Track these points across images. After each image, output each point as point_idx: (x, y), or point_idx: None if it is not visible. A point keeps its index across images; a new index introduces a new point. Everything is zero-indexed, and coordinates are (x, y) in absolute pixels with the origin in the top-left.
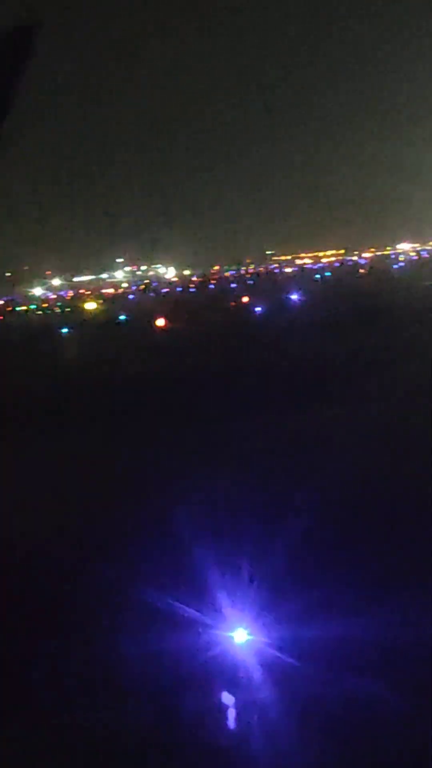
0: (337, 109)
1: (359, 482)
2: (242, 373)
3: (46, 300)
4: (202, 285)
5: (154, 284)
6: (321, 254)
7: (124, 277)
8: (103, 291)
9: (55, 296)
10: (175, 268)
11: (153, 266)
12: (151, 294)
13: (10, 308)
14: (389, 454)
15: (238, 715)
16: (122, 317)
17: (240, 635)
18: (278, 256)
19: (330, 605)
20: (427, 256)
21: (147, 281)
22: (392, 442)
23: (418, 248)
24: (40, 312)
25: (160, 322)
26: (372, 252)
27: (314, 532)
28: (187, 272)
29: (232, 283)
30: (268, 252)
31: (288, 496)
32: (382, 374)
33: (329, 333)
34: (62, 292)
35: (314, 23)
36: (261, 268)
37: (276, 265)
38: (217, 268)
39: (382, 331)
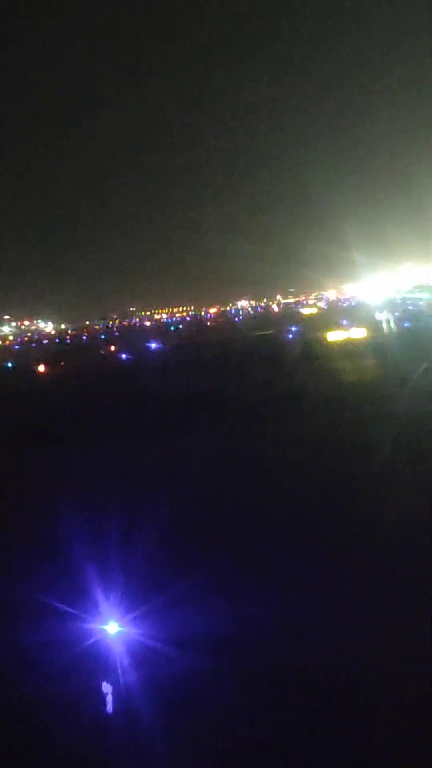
0: (172, 190)
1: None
2: (110, 405)
3: None
4: (77, 337)
5: (35, 336)
6: (174, 309)
7: (10, 331)
8: None
9: None
10: (54, 323)
11: (35, 321)
12: (33, 345)
13: None
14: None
15: (109, 696)
16: (9, 364)
17: (112, 627)
18: (139, 311)
19: (192, 599)
20: (261, 311)
21: (30, 334)
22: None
23: (254, 304)
24: None
25: (41, 367)
26: (216, 307)
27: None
28: (63, 326)
29: (102, 334)
30: (131, 309)
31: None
32: (228, 403)
33: (183, 373)
34: None
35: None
36: (125, 322)
37: (137, 319)
38: (88, 322)
39: (228, 369)
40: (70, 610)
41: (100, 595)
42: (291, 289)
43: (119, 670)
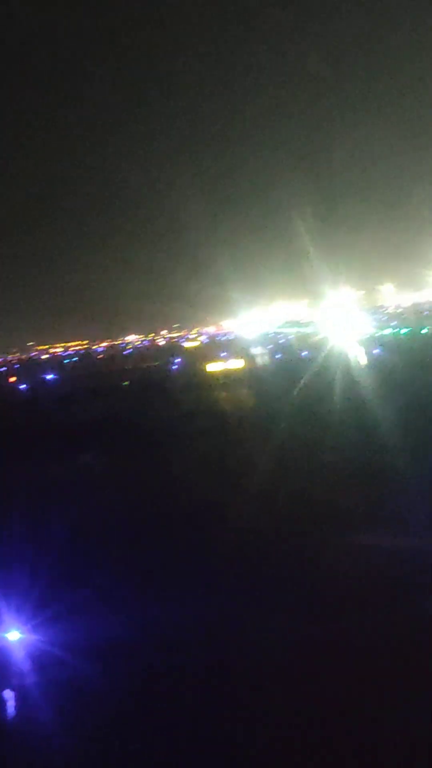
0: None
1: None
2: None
3: None
4: None
5: None
6: (69, 344)
7: None
8: None
9: None
10: None
11: None
12: None
13: None
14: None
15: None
16: None
17: (13, 635)
18: (36, 345)
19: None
20: (148, 344)
21: None
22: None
23: (142, 338)
24: None
25: None
26: (107, 341)
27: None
28: None
29: (2, 367)
30: (29, 343)
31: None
32: (121, 430)
33: (78, 402)
34: None
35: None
36: (23, 356)
37: (35, 353)
38: None
39: (120, 398)
40: None
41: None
42: (176, 325)
43: (20, 676)
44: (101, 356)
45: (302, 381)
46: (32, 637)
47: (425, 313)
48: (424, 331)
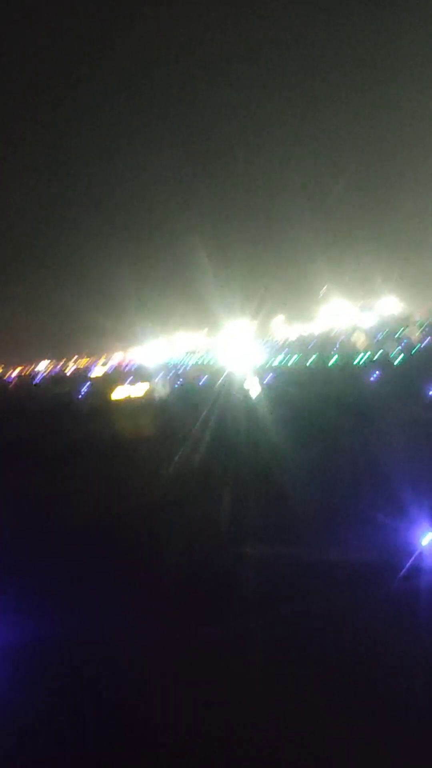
0: None
1: None
2: None
3: None
4: None
5: None
6: None
7: None
8: None
9: None
10: None
11: None
12: None
13: None
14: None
15: None
16: None
17: None
18: None
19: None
20: (58, 371)
21: None
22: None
23: (53, 366)
24: None
25: None
26: (20, 367)
27: None
28: None
29: None
30: None
31: None
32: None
33: None
34: None
35: None
36: None
37: None
38: None
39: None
40: None
41: None
42: (86, 350)
43: None
44: (11, 385)
45: (198, 405)
46: None
47: (310, 345)
48: (309, 362)
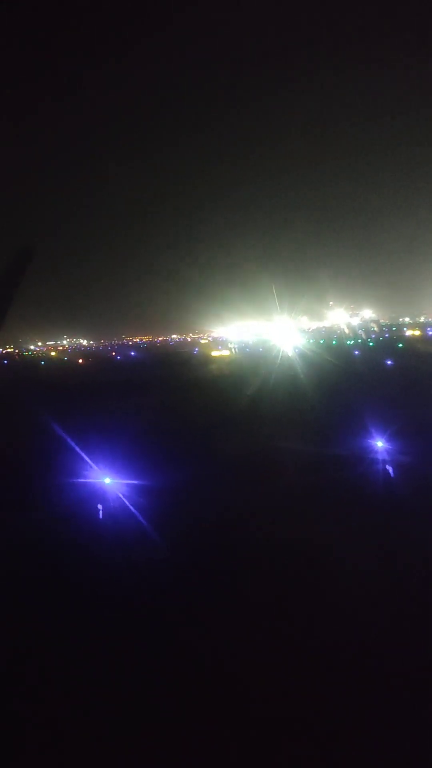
0: None
1: None
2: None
3: None
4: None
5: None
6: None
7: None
8: None
9: None
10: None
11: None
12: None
13: None
14: None
15: None
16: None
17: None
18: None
19: None
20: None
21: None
22: None
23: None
24: None
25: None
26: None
27: None
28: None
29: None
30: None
31: None
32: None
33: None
34: None
35: None
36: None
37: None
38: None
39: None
40: None
41: None
42: (196, 330)
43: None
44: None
45: (259, 359)
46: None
47: (322, 332)
48: (322, 341)
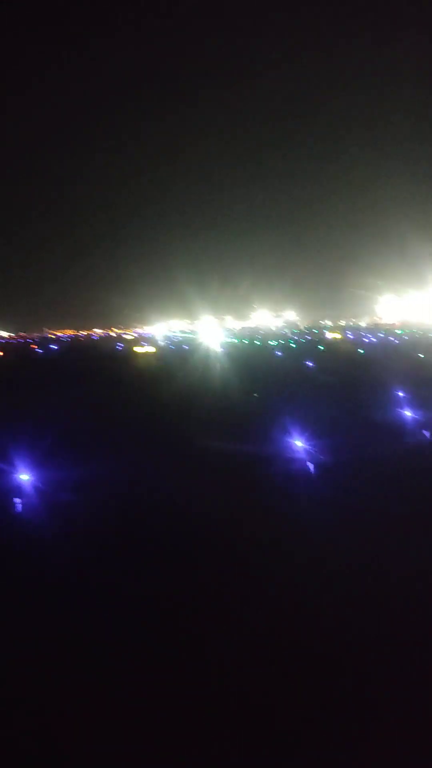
0: None
1: None
2: None
3: None
4: None
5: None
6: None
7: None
8: None
9: None
10: None
11: None
12: None
13: None
14: None
15: None
16: None
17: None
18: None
19: None
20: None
21: None
22: None
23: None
24: None
25: None
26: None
27: None
28: None
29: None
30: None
31: None
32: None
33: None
34: None
35: None
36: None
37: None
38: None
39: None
40: None
41: None
42: (121, 324)
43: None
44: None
45: (182, 354)
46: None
47: (246, 332)
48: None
